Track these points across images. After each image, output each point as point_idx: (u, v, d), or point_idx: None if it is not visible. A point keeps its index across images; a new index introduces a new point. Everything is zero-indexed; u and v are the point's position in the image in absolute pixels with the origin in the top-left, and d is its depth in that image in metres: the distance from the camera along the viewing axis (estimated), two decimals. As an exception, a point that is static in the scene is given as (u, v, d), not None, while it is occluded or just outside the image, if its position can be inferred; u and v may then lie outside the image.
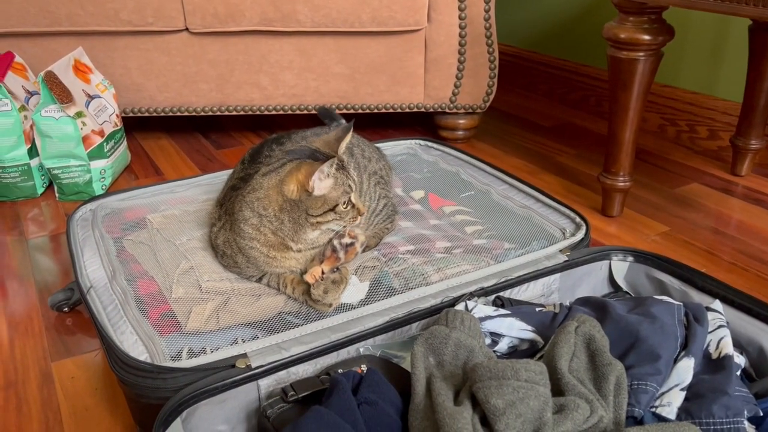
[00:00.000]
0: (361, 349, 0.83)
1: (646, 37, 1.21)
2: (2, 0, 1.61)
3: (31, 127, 1.49)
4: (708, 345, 0.77)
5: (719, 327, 0.79)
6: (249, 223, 0.93)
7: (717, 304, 0.84)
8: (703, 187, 1.57)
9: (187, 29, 1.68)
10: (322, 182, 0.89)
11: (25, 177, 1.52)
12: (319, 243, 0.95)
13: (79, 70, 1.57)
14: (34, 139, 1.50)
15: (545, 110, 2.18)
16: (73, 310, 1.11)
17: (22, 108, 1.49)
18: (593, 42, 2.12)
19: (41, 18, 1.63)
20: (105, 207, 1.17)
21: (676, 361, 0.74)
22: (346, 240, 0.95)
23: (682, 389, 0.70)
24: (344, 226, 0.94)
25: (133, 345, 0.81)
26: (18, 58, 1.56)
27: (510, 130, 1.98)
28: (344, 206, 0.91)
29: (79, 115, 1.48)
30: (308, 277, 0.91)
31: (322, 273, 0.92)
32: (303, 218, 0.91)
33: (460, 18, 1.69)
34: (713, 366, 0.74)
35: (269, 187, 0.91)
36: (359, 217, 0.94)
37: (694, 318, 0.79)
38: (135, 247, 1.05)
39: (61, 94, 1.44)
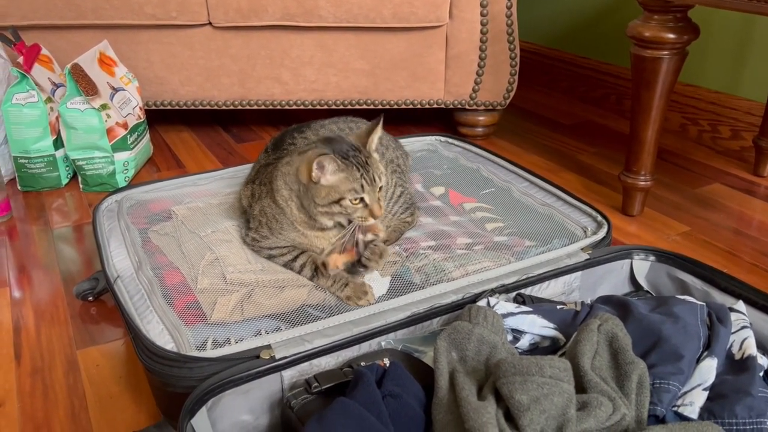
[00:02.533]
0: (383, 343, 0.84)
1: (671, 36, 1.21)
2: (30, -7, 1.63)
3: (57, 118, 1.51)
4: (731, 345, 0.77)
5: (742, 328, 0.79)
6: (281, 194, 0.98)
7: (740, 305, 0.84)
8: (724, 187, 1.56)
9: (210, 24, 1.70)
10: (324, 173, 0.91)
11: (51, 168, 1.54)
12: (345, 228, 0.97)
13: (104, 63, 1.59)
14: (59, 131, 1.52)
15: (565, 108, 2.17)
16: (97, 300, 1.13)
17: (48, 100, 1.52)
18: (615, 39, 2.10)
19: (67, 11, 1.65)
20: (130, 198, 1.19)
21: (698, 361, 0.74)
22: (369, 236, 0.95)
23: (704, 389, 0.70)
24: (358, 223, 0.94)
25: (160, 334, 0.83)
26: (44, 51, 1.59)
27: (530, 128, 1.98)
28: (353, 203, 0.92)
29: (103, 107, 1.50)
30: (333, 261, 0.93)
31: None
32: (312, 205, 0.94)
33: (482, 15, 1.69)
34: (736, 366, 0.74)
35: (296, 167, 0.95)
36: (371, 219, 0.94)
37: (717, 318, 0.79)
38: (160, 238, 1.06)
39: (86, 86, 1.46)
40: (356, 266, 0.97)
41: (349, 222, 0.95)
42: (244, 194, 1.08)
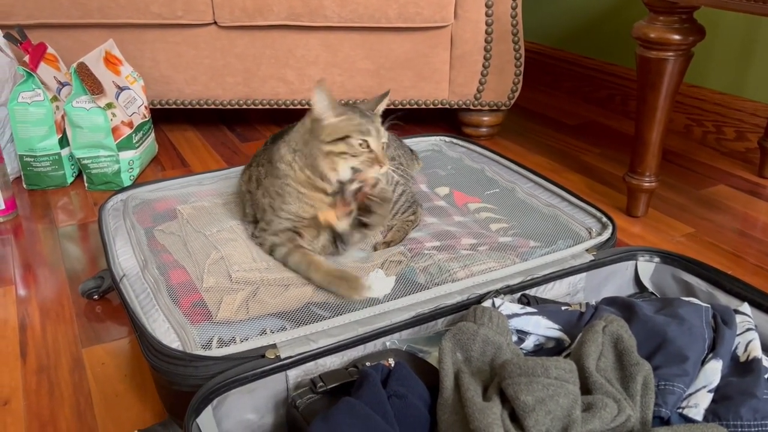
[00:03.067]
0: (388, 343, 0.84)
1: (677, 37, 1.21)
2: (36, -8, 1.64)
3: (63, 117, 1.52)
4: (736, 348, 0.77)
5: (747, 330, 0.79)
6: (284, 160, 1.00)
7: (745, 307, 0.84)
8: (729, 188, 1.56)
9: (215, 23, 1.70)
10: (321, 102, 0.94)
11: (56, 166, 1.54)
12: (327, 190, 0.99)
13: (110, 62, 1.59)
14: (65, 129, 1.52)
15: (570, 108, 2.17)
16: (102, 298, 1.13)
17: (54, 98, 1.52)
18: (619, 40, 2.10)
19: (73, 10, 1.66)
20: (135, 197, 1.19)
21: (703, 363, 0.74)
22: (354, 185, 0.96)
23: (709, 391, 0.70)
24: (359, 168, 0.95)
25: (165, 333, 0.83)
26: (50, 50, 1.59)
27: (534, 128, 1.98)
28: (358, 143, 0.94)
29: (109, 106, 1.50)
30: (327, 218, 0.97)
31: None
32: (317, 147, 0.96)
33: (487, 15, 1.69)
34: (741, 369, 0.74)
35: (302, 124, 1.00)
36: (376, 166, 0.95)
37: (722, 320, 0.79)
38: (165, 237, 1.07)
39: (92, 85, 1.47)
40: (353, 228, 0.99)
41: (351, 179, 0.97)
42: (243, 179, 1.12)
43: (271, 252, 1.00)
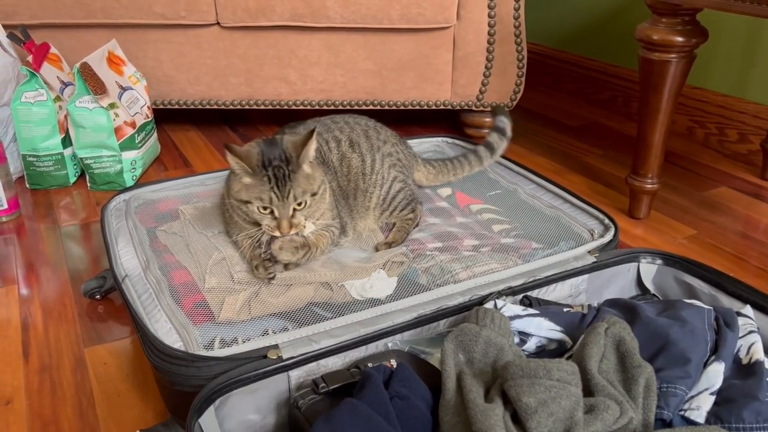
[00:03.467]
0: (390, 344, 0.84)
1: (680, 39, 1.21)
2: (39, -8, 1.64)
3: (66, 117, 1.52)
4: (738, 350, 0.77)
5: (750, 332, 0.79)
6: (227, 179, 1.01)
7: (748, 309, 0.84)
8: (731, 190, 1.56)
9: (218, 23, 1.70)
10: (236, 171, 0.93)
11: (59, 166, 1.55)
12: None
13: (113, 62, 1.59)
14: (68, 129, 1.53)
15: (572, 110, 2.17)
16: (104, 298, 1.13)
17: (57, 98, 1.52)
18: (622, 42, 2.10)
19: (77, 10, 1.66)
20: (138, 198, 1.19)
21: (705, 365, 0.74)
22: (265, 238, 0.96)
23: (711, 393, 0.70)
24: (265, 230, 0.94)
25: (168, 333, 0.83)
26: (53, 49, 1.60)
27: (536, 129, 1.98)
28: (259, 210, 0.92)
29: (112, 106, 1.50)
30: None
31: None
32: (227, 194, 0.97)
33: (490, 16, 1.69)
34: (744, 371, 0.74)
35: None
36: (277, 232, 0.93)
37: (724, 323, 0.79)
38: (168, 237, 1.07)
39: (95, 85, 1.47)
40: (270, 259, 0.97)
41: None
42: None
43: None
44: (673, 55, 1.22)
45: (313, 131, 0.94)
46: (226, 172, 1.30)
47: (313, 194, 0.95)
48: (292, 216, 0.93)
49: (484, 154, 1.32)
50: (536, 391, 0.58)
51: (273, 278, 0.94)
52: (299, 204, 0.93)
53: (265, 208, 0.92)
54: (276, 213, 0.92)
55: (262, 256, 0.95)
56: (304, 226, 0.96)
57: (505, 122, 1.35)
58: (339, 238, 1.05)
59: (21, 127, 1.49)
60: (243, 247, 0.97)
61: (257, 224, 0.95)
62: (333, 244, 1.02)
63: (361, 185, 1.11)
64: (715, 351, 0.76)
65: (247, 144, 0.97)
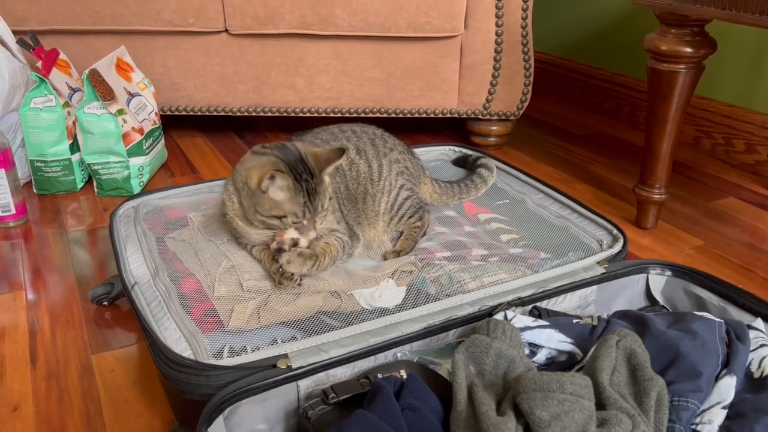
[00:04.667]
0: (399, 354, 0.84)
1: (688, 50, 1.21)
2: (49, -2, 1.65)
3: (74, 123, 1.52)
4: (750, 364, 0.77)
5: (761, 346, 0.78)
6: (227, 189, 1.00)
7: (759, 323, 0.83)
8: (739, 201, 1.55)
9: (226, 31, 1.71)
10: (273, 186, 0.91)
11: (66, 171, 1.55)
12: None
13: (121, 68, 1.60)
14: (75, 135, 1.53)
15: (578, 119, 2.17)
16: (111, 304, 1.13)
17: (66, 104, 1.53)
18: (628, 51, 2.10)
19: (86, 16, 1.67)
20: (147, 204, 1.20)
21: (717, 378, 0.73)
22: (274, 245, 0.96)
23: (723, 407, 0.70)
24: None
25: (177, 341, 0.83)
26: (62, 55, 1.60)
27: (542, 138, 1.98)
28: (292, 221, 0.93)
29: (120, 112, 1.51)
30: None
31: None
32: (251, 210, 0.95)
33: (497, 25, 1.70)
34: (755, 385, 0.73)
35: (249, 167, 0.95)
36: (301, 240, 0.95)
37: (735, 336, 0.79)
38: (176, 244, 1.07)
39: (104, 91, 1.47)
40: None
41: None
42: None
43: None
44: (681, 66, 1.22)
45: (343, 151, 0.95)
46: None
47: (329, 199, 0.98)
48: (314, 222, 0.95)
49: (479, 183, 1.31)
50: (549, 405, 0.58)
51: (300, 282, 0.94)
52: (322, 210, 0.96)
53: (295, 222, 0.94)
54: (304, 222, 0.94)
55: (280, 270, 0.95)
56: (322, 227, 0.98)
57: (491, 165, 1.35)
58: (352, 247, 1.05)
59: (29, 133, 1.50)
60: (264, 262, 0.99)
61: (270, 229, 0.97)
62: (345, 253, 1.02)
63: (370, 190, 1.11)
64: (727, 364, 0.75)
65: (262, 156, 0.95)
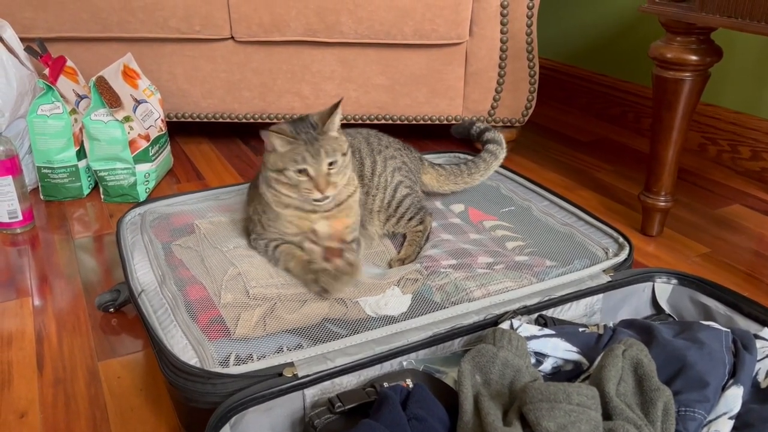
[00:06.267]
0: (404, 363, 0.84)
1: (694, 58, 1.21)
2: (57, 6, 1.66)
3: (81, 130, 1.53)
4: (756, 374, 0.76)
5: (768, 356, 0.78)
6: (263, 182, 1.03)
7: (766, 332, 0.83)
8: (744, 208, 1.55)
9: (232, 38, 1.72)
10: (277, 143, 0.96)
11: (73, 178, 1.56)
12: (304, 207, 0.99)
13: (128, 75, 1.61)
14: (82, 142, 1.54)
15: (583, 125, 2.17)
16: (118, 311, 1.14)
17: (73, 111, 1.54)
18: (633, 58, 2.10)
19: (93, 24, 1.68)
20: (153, 212, 1.20)
21: (724, 388, 0.73)
22: (308, 245, 0.99)
23: (730, 418, 0.70)
24: (305, 195, 0.97)
25: (183, 349, 0.83)
26: (69, 63, 1.61)
27: (547, 144, 1.98)
28: (296, 173, 0.95)
29: (126, 119, 1.51)
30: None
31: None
32: (267, 174, 0.99)
33: (502, 32, 1.70)
34: (762, 396, 0.73)
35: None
36: (316, 193, 0.95)
37: (742, 345, 0.78)
38: (183, 252, 1.07)
39: (110, 98, 1.48)
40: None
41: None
42: (246, 201, 1.14)
43: (266, 249, 1.03)
44: (687, 74, 1.23)
45: (338, 103, 0.99)
46: (239, 187, 1.31)
47: (343, 154, 0.98)
48: (327, 174, 0.96)
49: (489, 159, 1.31)
50: (556, 416, 0.58)
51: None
52: (331, 163, 0.96)
53: (300, 171, 0.95)
54: (311, 171, 0.95)
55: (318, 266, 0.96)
56: (338, 188, 0.98)
57: (499, 139, 1.34)
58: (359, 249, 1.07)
59: (36, 140, 1.51)
60: (292, 271, 1.00)
61: (299, 211, 0.99)
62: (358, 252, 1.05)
63: (363, 188, 1.12)
64: (734, 374, 0.75)
65: (278, 123, 1.00)
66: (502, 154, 1.31)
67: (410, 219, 1.13)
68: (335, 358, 0.80)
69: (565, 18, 2.34)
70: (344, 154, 0.99)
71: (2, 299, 1.18)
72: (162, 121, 1.67)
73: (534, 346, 0.80)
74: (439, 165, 1.25)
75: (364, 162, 1.13)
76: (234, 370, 0.79)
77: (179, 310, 0.91)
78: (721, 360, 0.75)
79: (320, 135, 0.96)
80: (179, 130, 2.01)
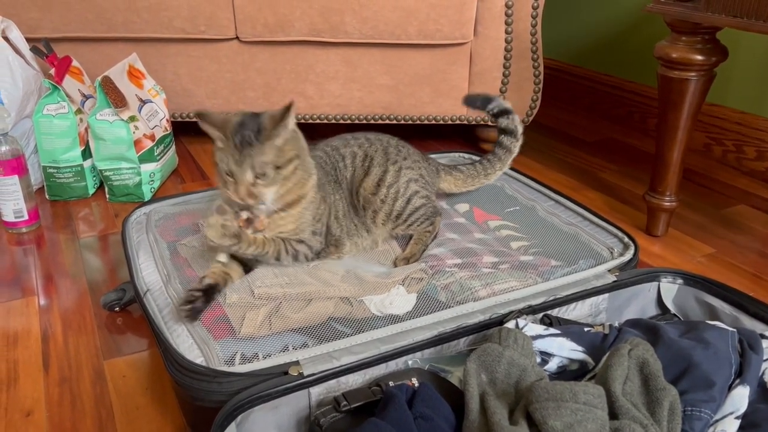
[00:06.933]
0: (410, 362, 0.84)
1: (699, 57, 1.20)
2: (62, 7, 1.67)
3: (86, 129, 1.54)
4: (763, 374, 0.76)
5: (774, 355, 0.78)
6: None
7: (772, 332, 0.83)
8: (750, 208, 1.55)
9: (237, 38, 1.72)
10: (203, 128, 0.95)
11: (78, 178, 1.56)
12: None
13: (133, 75, 1.61)
14: (88, 142, 1.54)
15: (588, 125, 2.17)
16: (123, 310, 1.14)
17: (78, 111, 1.54)
18: (638, 57, 2.10)
19: (99, 24, 1.69)
20: (158, 211, 1.20)
21: (730, 388, 0.73)
22: (244, 215, 0.98)
23: (736, 417, 0.70)
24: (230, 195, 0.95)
25: (189, 348, 0.83)
26: (75, 63, 1.62)
27: (551, 145, 1.98)
28: (223, 174, 0.94)
29: (132, 119, 1.52)
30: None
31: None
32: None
33: (507, 32, 1.70)
34: (769, 395, 0.73)
35: None
36: (235, 197, 0.93)
37: (748, 345, 0.78)
38: (188, 251, 1.07)
39: (116, 98, 1.49)
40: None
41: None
42: None
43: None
44: (692, 74, 1.22)
45: (289, 106, 0.93)
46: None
47: (278, 167, 0.93)
48: (253, 185, 0.92)
49: (504, 155, 1.29)
50: (562, 415, 0.58)
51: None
52: (260, 175, 0.92)
53: (228, 174, 0.93)
54: (234, 177, 0.92)
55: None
56: (265, 200, 0.95)
57: (514, 128, 1.29)
58: (310, 258, 1.03)
59: (42, 139, 1.51)
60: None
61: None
62: (295, 260, 1.01)
63: (370, 198, 1.11)
64: (740, 374, 0.75)
65: (233, 113, 0.97)
66: (517, 146, 1.27)
67: (420, 224, 1.13)
68: (340, 357, 0.80)
69: (570, 18, 2.34)
70: (279, 168, 0.93)
71: (8, 298, 1.19)
72: (167, 121, 1.67)
73: (539, 345, 0.80)
74: (455, 168, 1.23)
75: (370, 171, 1.10)
76: (240, 368, 0.79)
77: (185, 309, 0.91)
78: (727, 360, 0.75)
79: (259, 142, 0.91)
80: (184, 130, 2.02)
